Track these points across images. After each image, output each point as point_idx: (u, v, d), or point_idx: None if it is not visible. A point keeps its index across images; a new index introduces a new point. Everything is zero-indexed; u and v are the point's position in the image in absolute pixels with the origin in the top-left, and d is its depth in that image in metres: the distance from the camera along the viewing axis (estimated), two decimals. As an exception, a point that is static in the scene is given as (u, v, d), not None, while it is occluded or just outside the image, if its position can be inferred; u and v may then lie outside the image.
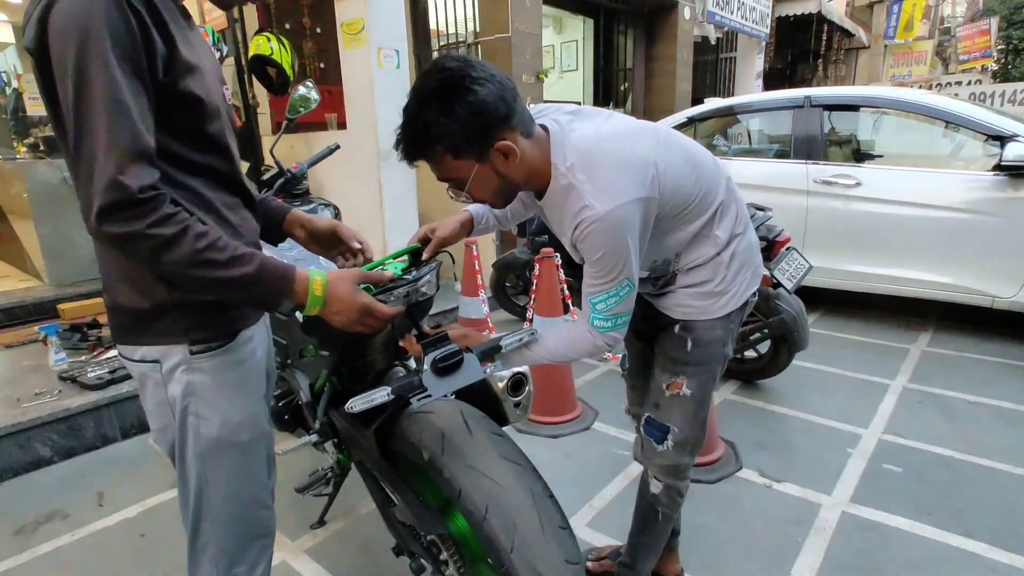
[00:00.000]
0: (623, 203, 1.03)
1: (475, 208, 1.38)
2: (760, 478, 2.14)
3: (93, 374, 2.60)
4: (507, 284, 3.88)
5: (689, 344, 1.28)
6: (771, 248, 2.49)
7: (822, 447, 2.34)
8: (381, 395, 1.10)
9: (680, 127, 4.43)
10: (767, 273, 2.50)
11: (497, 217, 1.41)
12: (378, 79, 3.45)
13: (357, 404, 1.09)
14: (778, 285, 2.52)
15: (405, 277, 1.15)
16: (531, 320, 2.74)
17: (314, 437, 1.56)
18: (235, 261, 0.85)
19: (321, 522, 1.95)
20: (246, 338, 1.02)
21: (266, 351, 1.13)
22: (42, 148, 3.91)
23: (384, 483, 1.42)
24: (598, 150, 1.07)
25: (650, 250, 1.17)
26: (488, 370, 1.24)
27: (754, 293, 1.31)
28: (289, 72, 3.72)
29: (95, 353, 2.92)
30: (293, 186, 2.20)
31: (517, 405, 1.48)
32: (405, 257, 1.24)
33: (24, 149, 4.39)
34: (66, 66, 0.76)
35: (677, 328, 1.29)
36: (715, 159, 1.25)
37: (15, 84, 4.21)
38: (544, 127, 1.11)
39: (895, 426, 2.49)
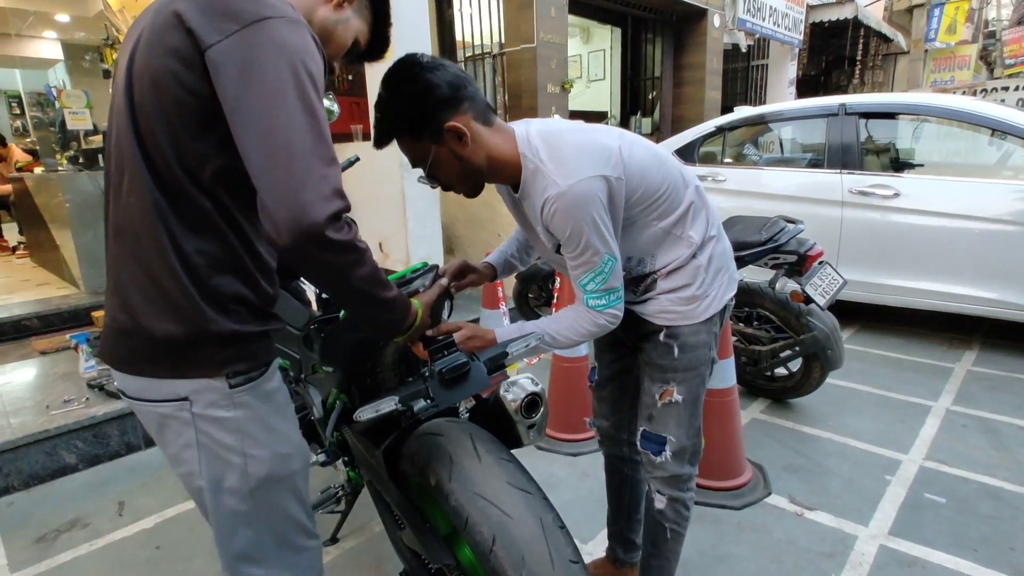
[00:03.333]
0: (585, 178, 1.08)
1: (493, 256, 1.49)
2: (790, 505, 2.04)
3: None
4: (530, 295, 3.85)
5: (676, 350, 1.28)
6: (802, 262, 2.39)
7: (858, 473, 2.22)
8: (389, 404, 1.08)
9: (708, 137, 4.34)
10: (797, 288, 2.40)
11: (517, 255, 1.50)
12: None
13: (364, 413, 1.07)
14: (810, 301, 2.41)
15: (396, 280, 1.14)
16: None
17: (322, 457, 1.53)
18: (390, 283, 0.91)
19: (334, 539, 1.92)
20: (275, 366, 0.98)
21: None
22: (81, 160, 4.05)
23: (393, 506, 1.38)
24: (561, 137, 1.15)
25: (624, 246, 1.20)
26: (499, 388, 1.21)
27: (732, 298, 1.34)
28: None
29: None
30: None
31: (532, 427, 1.43)
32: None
33: (66, 161, 4.55)
34: (278, 74, 0.75)
35: (662, 335, 1.29)
36: (682, 166, 1.29)
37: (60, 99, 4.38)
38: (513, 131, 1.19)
39: (938, 452, 2.35)
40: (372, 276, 0.85)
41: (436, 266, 1.25)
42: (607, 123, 7.51)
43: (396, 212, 3.70)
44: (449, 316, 1.96)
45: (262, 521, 0.96)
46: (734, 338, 2.74)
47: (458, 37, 5.05)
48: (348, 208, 0.79)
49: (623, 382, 1.49)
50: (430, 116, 1.08)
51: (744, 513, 2.00)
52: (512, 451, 1.26)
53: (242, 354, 0.89)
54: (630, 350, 1.41)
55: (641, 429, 1.37)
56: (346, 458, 1.62)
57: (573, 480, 2.25)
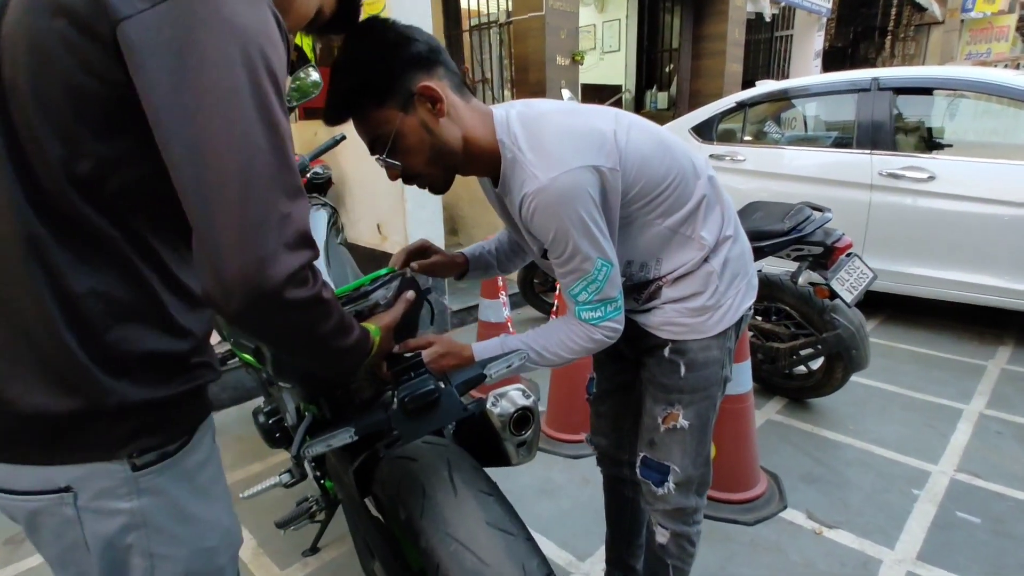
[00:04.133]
0: (569, 170, 0.91)
1: (470, 248, 1.29)
2: (808, 522, 1.87)
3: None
4: (535, 280, 3.68)
5: (682, 368, 1.11)
6: (828, 255, 2.18)
7: (883, 486, 2.04)
8: (344, 436, 0.93)
9: (728, 113, 4.07)
10: (823, 283, 2.20)
11: (494, 255, 1.30)
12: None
13: (314, 447, 0.92)
14: (835, 296, 2.21)
15: (351, 293, 0.96)
16: (555, 312, 2.53)
17: (285, 478, 1.39)
18: (351, 323, 0.74)
19: (314, 549, 1.80)
20: (206, 426, 0.76)
21: None
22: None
23: (364, 534, 1.24)
24: (543, 121, 0.97)
25: (623, 248, 1.04)
26: (473, 405, 1.05)
27: (750, 307, 1.16)
28: (310, 54, 3.56)
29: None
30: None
31: (521, 444, 1.27)
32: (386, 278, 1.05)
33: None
34: (227, 67, 0.55)
35: (667, 351, 1.12)
36: (693, 153, 1.10)
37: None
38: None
39: (971, 463, 2.16)
40: (336, 327, 0.69)
41: (402, 273, 1.07)
42: (621, 97, 7.19)
43: (394, 191, 3.51)
44: (432, 322, 1.79)
45: None
46: (750, 334, 2.55)
47: (463, 4, 4.78)
48: (316, 256, 0.61)
49: (624, 397, 1.33)
50: (399, 74, 0.90)
51: (757, 530, 1.85)
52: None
53: (153, 425, 0.67)
54: (633, 362, 1.24)
55: (641, 455, 1.20)
56: (318, 473, 1.48)
57: (572, 486, 2.10)
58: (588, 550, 1.76)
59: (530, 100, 1.04)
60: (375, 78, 0.90)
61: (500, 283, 2.81)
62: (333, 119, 0.94)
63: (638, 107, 7.37)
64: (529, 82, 4.73)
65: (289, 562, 1.76)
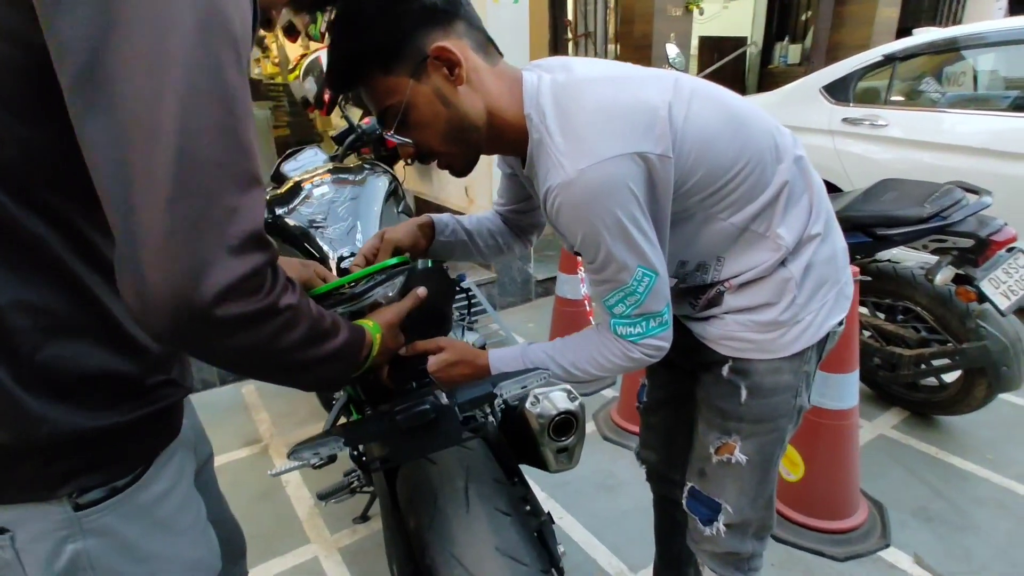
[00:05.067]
0: (603, 159, 0.73)
1: (438, 215, 1.09)
2: (914, 567, 1.58)
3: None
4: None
5: (743, 393, 0.93)
6: (982, 249, 1.76)
7: (1023, 537, 1.67)
8: (333, 446, 0.85)
9: (872, 68, 3.47)
10: (970, 285, 1.79)
11: (469, 231, 1.09)
12: (492, 14, 3.07)
13: (300, 454, 0.84)
14: (984, 300, 1.80)
15: (342, 292, 0.85)
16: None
17: (315, 459, 1.36)
18: (334, 326, 0.64)
19: (364, 517, 1.82)
20: (170, 451, 0.67)
21: (189, 411, 0.84)
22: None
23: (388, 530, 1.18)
24: (580, 93, 0.78)
25: (675, 245, 0.87)
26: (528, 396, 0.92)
27: (840, 322, 0.95)
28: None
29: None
30: (365, 144, 1.98)
31: (562, 451, 1.14)
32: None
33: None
34: (170, 21, 0.44)
35: (726, 369, 0.93)
36: (777, 127, 0.88)
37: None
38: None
39: None
40: (308, 335, 0.58)
41: (410, 267, 0.94)
42: (746, 51, 6.44)
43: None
44: (467, 316, 1.66)
45: None
46: (866, 333, 2.18)
47: (570, -50, 4.44)
48: (269, 261, 0.50)
49: (679, 409, 1.14)
50: (409, 33, 0.76)
51: (848, 567, 1.59)
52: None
53: (94, 460, 0.58)
54: (689, 372, 1.05)
55: (689, 485, 1.03)
56: (356, 452, 1.45)
57: (637, 485, 1.93)
58: (642, 561, 1.61)
59: (572, 61, 0.85)
60: (379, 39, 0.76)
61: (580, 259, 2.63)
62: (336, 86, 0.81)
63: (764, 62, 6.58)
64: (634, 35, 4.32)
65: (340, 527, 1.79)
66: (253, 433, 2.28)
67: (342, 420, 1.32)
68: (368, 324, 0.76)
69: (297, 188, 1.55)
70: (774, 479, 0.99)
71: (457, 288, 1.34)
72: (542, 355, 0.89)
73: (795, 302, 0.88)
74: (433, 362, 0.87)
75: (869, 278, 1.92)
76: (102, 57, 0.43)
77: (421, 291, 0.87)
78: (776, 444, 0.95)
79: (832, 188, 3.35)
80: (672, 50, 2.76)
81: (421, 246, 1.04)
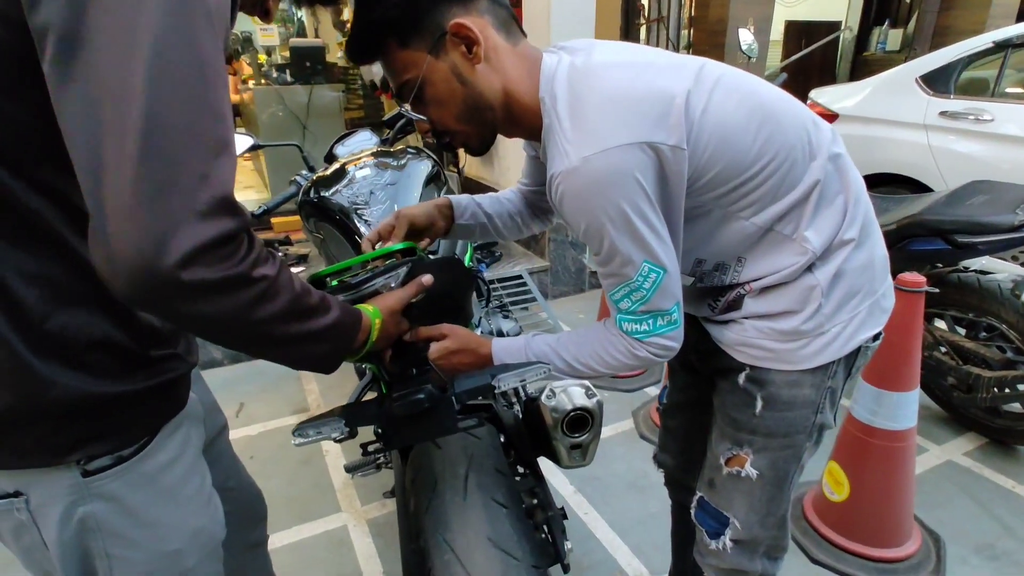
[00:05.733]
0: (609, 148, 0.70)
1: (457, 196, 1.08)
2: (968, 609, 1.44)
3: (263, 291, 2.87)
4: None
5: (758, 404, 0.88)
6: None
7: (1105, 589, 1.49)
8: (335, 426, 0.86)
9: (980, 56, 3.12)
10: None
11: (489, 213, 1.07)
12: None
13: (304, 431, 0.86)
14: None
15: (342, 281, 0.85)
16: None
17: (338, 433, 1.40)
18: (323, 305, 0.64)
19: (393, 492, 1.87)
20: (175, 423, 0.70)
21: (200, 386, 0.89)
22: (275, 75, 4.42)
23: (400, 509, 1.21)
24: (594, 78, 0.75)
25: (692, 243, 0.83)
26: (472, 421, 0.91)
27: (876, 336, 0.87)
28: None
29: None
30: (414, 128, 2.01)
31: (576, 447, 1.13)
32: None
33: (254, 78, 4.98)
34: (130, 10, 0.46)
35: (742, 377, 0.89)
36: (813, 121, 0.82)
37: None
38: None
39: None
40: (288, 309, 0.57)
41: (416, 257, 0.93)
42: (839, 37, 5.96)
43: (543, 141, 3.37)
44: (486, 303, 1.65)
45: None
46: (941, 350, 1.99)
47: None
48: (240, 228, 0.50)
49: (698, 415, 1.08)
50: (428, 8, 0.76)
51: (890, 600, 1.47)
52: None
53: (101, 428, 0.61)
54: (708, 377, 1.00)
55: (698, 495, 0.98)
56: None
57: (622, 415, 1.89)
58: (664, 566, 1.56)
59: (597, 44, 0.81)
60: (397, 11, 0.75)
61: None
62: (356, 57, 0.82)
63: (859, 49, 6.07)
64: (708, 20, 4.09)
65: (371, 499, 1.86)
66: (302, 402, 2.40)
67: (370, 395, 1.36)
68: (368, 309, 0.77)
69: (342, 170, 1.59)
70: (788, 498, 0.92)
71: (477, 279, 1.34)
72: (546, 348, 0.87)
73: (820, 311, 0.81)
74: (435, 349, 0.87)
75: (937, 289, 1.74)
76: (79, 30, 0.44)
77: (426, 279, 0.86)
78: (791, 461, 0.89)
79: (922, 188, 3.07)
80: (745, 36, 2.60)
81: (439, 227, 1.03)
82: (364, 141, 1.88)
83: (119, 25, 0.45)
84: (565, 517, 1.12)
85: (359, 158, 1.63)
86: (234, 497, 0.96)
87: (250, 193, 4.78)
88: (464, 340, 0.89)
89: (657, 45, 3.97)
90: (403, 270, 0.85)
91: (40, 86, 0.48)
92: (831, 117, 3.44)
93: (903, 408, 1.46)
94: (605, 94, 0.72)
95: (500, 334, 1.57)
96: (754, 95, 0.78)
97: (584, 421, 1.08)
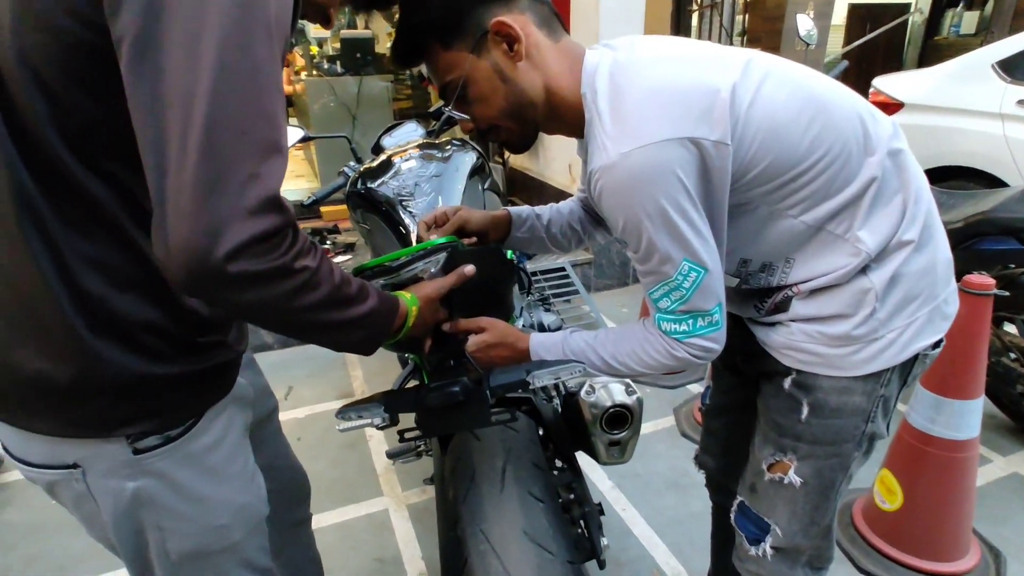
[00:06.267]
0: (649, 143, 0.68)
1: (517, 208, 1.07)
2: (1030, 631, 1.36)
3: (312, 278, 2.96)
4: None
5: (804, 410, 0.85)
6: None
7: None
8: (375, 412, 0.89)
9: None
10: None
11: (547, 226, 1.07)
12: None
13: (347, 415, 0.88)
14: None
15: (387, 264, 0.87)
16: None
17: (379, 419, 1.44)
18: (362, 293, 0.67)
19: (434, 479, 1.91)
20: (221, 407, 0.74)
21: (253, 370, 0.94)
22: (326, 66, 4.53)
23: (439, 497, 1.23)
24: (636, 73, 0.74)
25: (736, 242, 0.80)
26: (504, 415, 0.92)
27: (937, 344, 0.83)
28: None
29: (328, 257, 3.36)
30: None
31: (614, 444, 1.12)
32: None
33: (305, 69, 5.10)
34: (215, 4, 0.50)
35: (788, 382, 0.86)
36: (872, 114, 0.78)
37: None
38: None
39: None
40: (328, 298, 0.60)
41: (455, 244, 0.94)
42: (907, 21, 5.61)
43: (589, 132, 3.32)
44: (527, 292, 1.64)
45: None
46: (1011, 356, 1.87)
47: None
48: (286, 224, 0.54)
49: (741, 418, 1.06)
50: (468, 8, 0.77)
51: (943, 616, 1.41)
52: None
53: (151, 408, 0.65)
54: (753, 379, 0.98)
55: (739, 499, 0.96)
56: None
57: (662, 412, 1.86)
58: (702, 567, 1.54)
59: (640, 40, 0.79)
60: (439, 13, 0.77)
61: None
62: (401, 61, 0.84)
63: (930, 33, 5.70)
64: (766, 5, 3.93)
65: (411, 485, 1.90)
66: (347, 387, 2.47)
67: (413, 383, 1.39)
68: (405, 296, 0.79)
69: (388, 162, 1.62)
70: (834, 508, 0.89)
71: (518, 270, 1.34)
72: (583, 345, 0.86)
73: (874, 316, 0.78)
74: (472, 342, 0.88)
75: (1007, 292, 1.64)
76: (152, 37, 0.49)
77: (468, 269, 0.87)
78: (837, 470, 0.86)
79: (994, 182, 2.88)
80: (804, 23, 2.48)
81: (490, 237, 1.05)
82: (410, 132, 1.90)
83: (186, 33, 0.49)
84: (602, 513, 1.12)
85: (405, 150, 1.65)
86: (280, 476, 1.01)
87: (301, 182, 4.92)
88: (502, 334, 0.89)
89: (710, 32, 3.84)
90: (443, 256, 0.87)
91: (114, 85, 0.52)
92: (895, 106, 3.26)
93: (965, 417, 1.38)
94: (646, 88, 0.71)
95: (541, 327, 1.57)
96: (805, 87, 0.75)
97: (623, 418, 1.07)
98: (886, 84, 3.49)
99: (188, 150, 0.49)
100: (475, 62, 0.78)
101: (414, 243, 1.42)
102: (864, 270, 0.77)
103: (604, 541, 1.09)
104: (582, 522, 1.10)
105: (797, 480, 0.86)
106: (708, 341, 0.78)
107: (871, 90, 3.54)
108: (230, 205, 0.50)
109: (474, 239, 1.03)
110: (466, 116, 0.83)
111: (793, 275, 0.81)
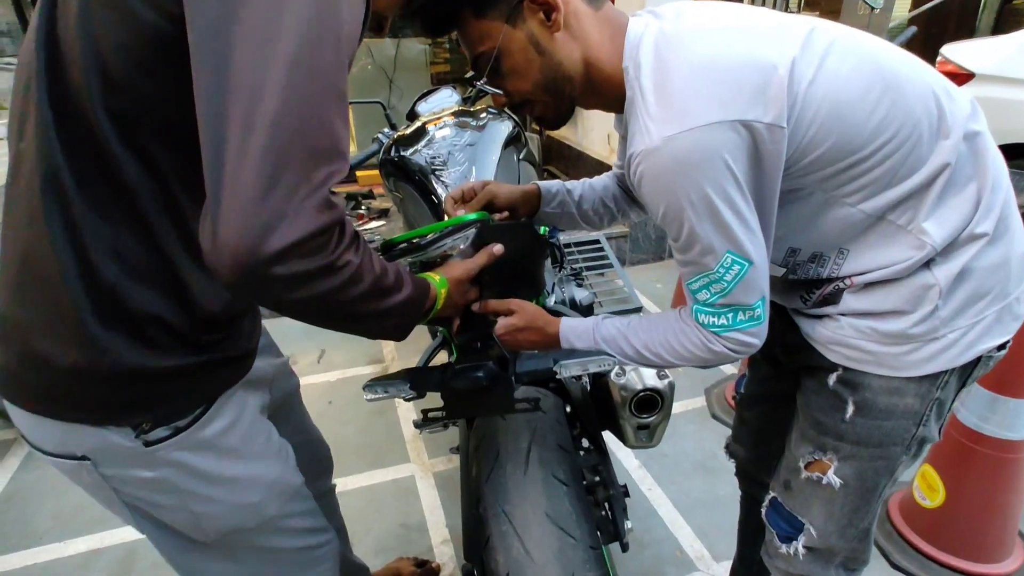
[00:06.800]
0: (696, 127, 0.63)
1: (547, 183, 1.03)
2: (1074, 641, 1.30)
3: (346, 243, 2.97)
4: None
5: (850, 409, 0.79)
6: None
7: None
8: (401, 387, 0.89)
9: None
10: None
11: (579, 201, 1.03)
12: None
13: (373, 389, 0.88)
14: None
15: (416, 241, 0.84)
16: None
17: (404, 393, 1.44)
18: (398, 282, 0.65)
19: (459, 449, 1.92)
20: (230, 391, 0.73)
21: (272, 352, 0.94)
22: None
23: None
24: (683, 47, 0.67)
25: (785, 229, 0.74)
26: (529, 403, 0.89)
27: (1003, 346, 0.76)
28: None
29: (361, 222, 3.36)
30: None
31: (643, 428, 1.10)
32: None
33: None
34: (290, 6, 0.49)
35: (833, 379, 0.81)
36: (947, 91, 0.69)
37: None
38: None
39: None
40: (370, 290, 0.59)
41: (485, 220, 0.91)
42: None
43: (631, 100, 3.20)
44: (560, 267, 1.59)
45: (241, 564, 0.80)
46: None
47: None
48: (335, 222, 0.53)
49: (776, 409, 1.01)
50: None
51: (981, 619, 1.36)
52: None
53: (155, 398, 0.64)
54: (792, 371, 0.93)
55: (771, 495, 0.92)
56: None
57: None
58: (726, 552, 1.51)
59: (688, 6, 0.72)
60: None
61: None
62: (429, 29, 0.79)
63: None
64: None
65: (438, 453, 1.92)
66: (378, 354, 2.50)
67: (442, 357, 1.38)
68: (435, 279, 0.76)
69: (423, 129, 1.58)
70: (875, 511, 0.84)
71: (550, 245, 1.30)
72: (615, 332, 0.83)
73: (936, 315, 0.71)
74: (501, 325, 0.86)
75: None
76: (228, 24, 0.48)
77: (497, 248, 0.84)
78: (882, 474, 0.81)
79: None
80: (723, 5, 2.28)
81: (518, 213, 1.01)
82: (446, 99, 1.86)
83: (262, 27, 0.48)
84: (627, 495, 1.10)
85: (439, 117, 1.61)
86: (303, 450, 1.02)
87: (338, 146, 4.92)
88: (532, 317, 0.86)
89: (765, -6, 3.61)
90: (472, 231, 0.84)
91: (176, 72, 0.52)
92: (966, 77, 3.04)
93: (1021, 417, 1.30)
94: (695, 63, 0.65)
95: (573, 303, 1.53)
96: (873, 60, 0.67)
97: (654, 402, 1.04)
98: (956, 52, 3.24)
99: (251, 143, 0.48)
100: (509, 32, 0.73)
101: (447, 214, 1.40)
102: (927, 264, 0.71)
103: (628, 524, 1.07)
104: (607, 504, 1.08)
105: (837, 481, 0.81)
106: (748, 336, 0.73)
107: (938, 59, 3.29)
108: (284, 203, 0.49)
109: (505, 214, 0.99)
110: (499, 91, 0.79)
111: (847, 267, 0.75)
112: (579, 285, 1.66)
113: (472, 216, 0.87)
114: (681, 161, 0.63)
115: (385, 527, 1.65)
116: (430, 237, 0.82)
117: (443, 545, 1.59)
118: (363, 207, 3.51)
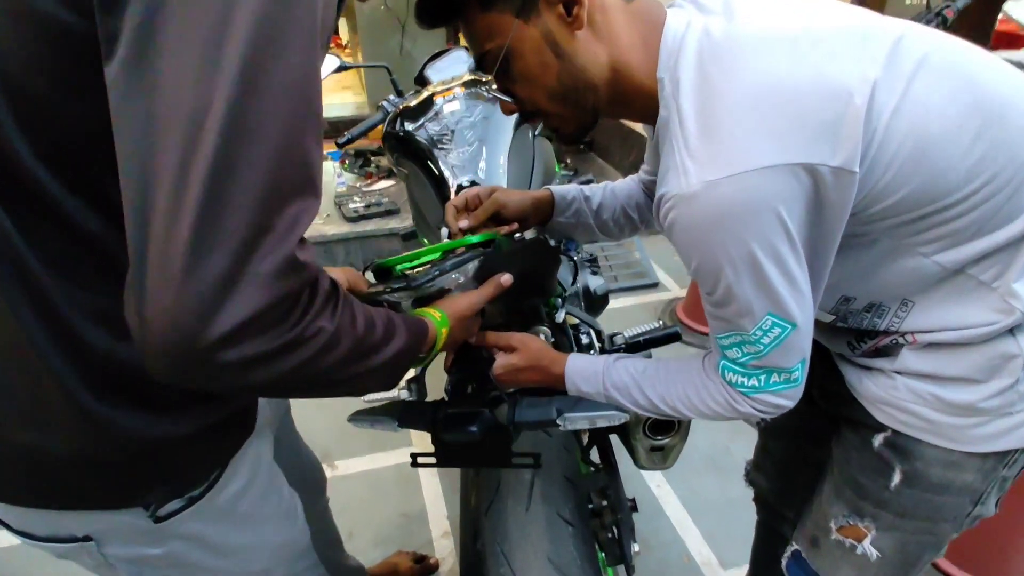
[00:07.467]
0: (747, 171, 0.50)
1: (563, 188, 0.91)
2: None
3: (352, 205, 2.86)
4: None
5: (896, 477, 0.69)
6: None
7: None
8: (385, 424, 0.82)
9: None
10: None
11: (597, 210, 0.91)
12: None
13: (358, 420, 0.84)
14: None
15: (405, 275, 0.74)
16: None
17: (404, 394, 1.37)
18: (388, 333, 0.56)
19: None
20: (243, 449, 0.65)
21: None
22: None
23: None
24: (732, 61, 0.54)
25: (839, 276, 0.62)
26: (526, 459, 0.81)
27: None
28: None
29: (369, 181, 3.23)
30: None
31: (656, 450, 1.02)
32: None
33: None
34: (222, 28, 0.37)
35: (879, 439, 0.71)
36: None
37: None
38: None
39: None
40: (347, 356, 0.49)
41: (498, 242, 0.79)
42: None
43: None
44: (573, 280, 1.47)
45: None
46: None
47: None
48: (302, 287, 0.43)
49: (805, 445, 0.93)
50: None
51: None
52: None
53: (169, 470, 0.57)
54: (831, 417, 0.82)
55: (793, 548, 0.84)
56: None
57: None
58: (736, 559, 1.47)
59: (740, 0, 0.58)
60: None
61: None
62: (427, 19, 0.66)
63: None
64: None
65: (441, 436, 1.87)
66: (384, 325, 2.43)
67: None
68: (435, 316, 0.66)
69: (429, 101, 1.44)
70: None
71: (564, 257, 1.19)
72: (628, 380, 0.73)
73: (1014, 388, 0.61)
74: (500, 365, 0.76)
75: None
76: (153, 31, 0.36)
77: (506, 279, 0.74)
78: (927, 549, 0.72)
79: None
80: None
81: (529, 223, 0.90)
82: (458, 62, 1.70)
83: (201, 32, 0.36)
84: (635, 509, 1.04)
85: (449, 88, 1.46)
86: (295, 471, 0.96)
87: (347, 95, 4.72)
88: (535, 357, 0.76)
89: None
90: (473, 265, 0.73)
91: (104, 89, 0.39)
92: (1031, 41, 2.77)
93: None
94: (748, 89, 0.52)
95: (587, 292, 1.44)
96: (974, 84, 0.54)
97: (669, 424, 0.97)
98: (1018, 10, 2.94)
99: (186, 191, 0.36)
100: (521, 29, 0.60)
101: (452, 193, 1.28)
102: (1013, 331, 0.60)
103: (635, 547, 1.01)
104: (614, 528, 1.02)
105: (873, 553, 0.73)
106: (780, 398, 0.63)
107: (1000, 16, 3.00)
108: (232, 268, 0.38)
109: (515, 225, 0.88)
110: (506, 98, 0.67)
111: (910, 321, 0.63)
112: (594, 272, 1.56)
113: (477, 238, 0.76)
114: (724, 213, 0.52)
115: (385, 516, 1.62)
116: (423, 275, 0.71)
117: (443, 538, 1.56)
118: (372, 164, 3.36)
